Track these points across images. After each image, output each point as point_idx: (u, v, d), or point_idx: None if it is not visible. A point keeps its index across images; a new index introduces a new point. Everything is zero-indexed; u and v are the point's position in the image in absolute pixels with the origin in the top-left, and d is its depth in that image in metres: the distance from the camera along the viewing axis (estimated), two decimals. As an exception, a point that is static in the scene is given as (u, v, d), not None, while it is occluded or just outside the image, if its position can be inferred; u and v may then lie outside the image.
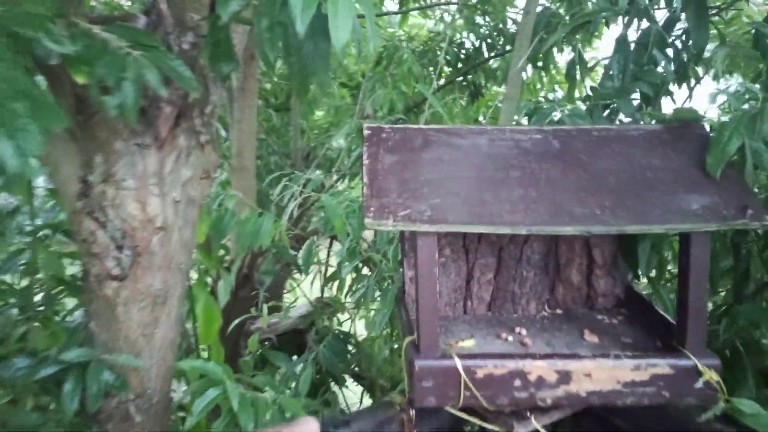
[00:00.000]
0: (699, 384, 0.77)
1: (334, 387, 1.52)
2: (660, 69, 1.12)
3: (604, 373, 0.78)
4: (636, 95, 1.19)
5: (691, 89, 1.32)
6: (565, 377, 0.78)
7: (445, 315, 1.04)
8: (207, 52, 0.79)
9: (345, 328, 1.96)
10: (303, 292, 1.94)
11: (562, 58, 2.46)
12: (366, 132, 0.86)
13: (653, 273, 1.11)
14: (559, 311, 1.06)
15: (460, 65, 2.41)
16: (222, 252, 1.89)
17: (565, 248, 1.03)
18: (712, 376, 0.77)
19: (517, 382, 0.79)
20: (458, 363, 0.77)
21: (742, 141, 0.79)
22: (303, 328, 2.04)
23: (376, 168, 0.81)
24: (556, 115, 1.06)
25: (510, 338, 0.94)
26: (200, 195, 0.94)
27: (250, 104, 1.95)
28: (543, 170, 0.82)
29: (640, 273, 1.00)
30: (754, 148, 0.88)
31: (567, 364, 0.78)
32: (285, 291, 2.61)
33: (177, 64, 0.75)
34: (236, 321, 1.80)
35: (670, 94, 1.14)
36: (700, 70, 1.27)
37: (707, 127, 0.88)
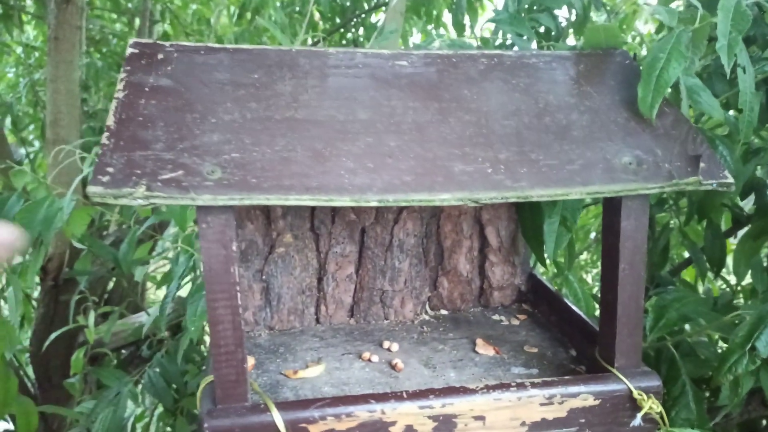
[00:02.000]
0: (636, 421, 0.53)
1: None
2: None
3: (503, 414, 0.52)
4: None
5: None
6: (445, 425, 0.51)
7: (290, 327, 0.75)
8: None
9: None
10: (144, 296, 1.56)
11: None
12: (131, 51, 0.54)
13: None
14: (444, 313, 0.80)
15: (338, 20, 2.11)
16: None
17: (449, 228, 0.77)
18: (652, 406, 0.53)
19: (374, 439, 0.51)
20: (278, 419, 0.48)
21: (686, 65, 0.55)
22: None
23: (137, 104, 0.49)
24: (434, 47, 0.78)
25: (375, 358, 0.66)
26: None
27: (67, 59, 1.53)
28: (408, 111, 0.54)
29: (546, 257, 0.76)
30: (689, 85, 0.65)
31: (448, 405, 0.51)
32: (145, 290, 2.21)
33: None
34: (54, 334, 1.42)
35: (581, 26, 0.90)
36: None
37: (632, 55, 0.64)
